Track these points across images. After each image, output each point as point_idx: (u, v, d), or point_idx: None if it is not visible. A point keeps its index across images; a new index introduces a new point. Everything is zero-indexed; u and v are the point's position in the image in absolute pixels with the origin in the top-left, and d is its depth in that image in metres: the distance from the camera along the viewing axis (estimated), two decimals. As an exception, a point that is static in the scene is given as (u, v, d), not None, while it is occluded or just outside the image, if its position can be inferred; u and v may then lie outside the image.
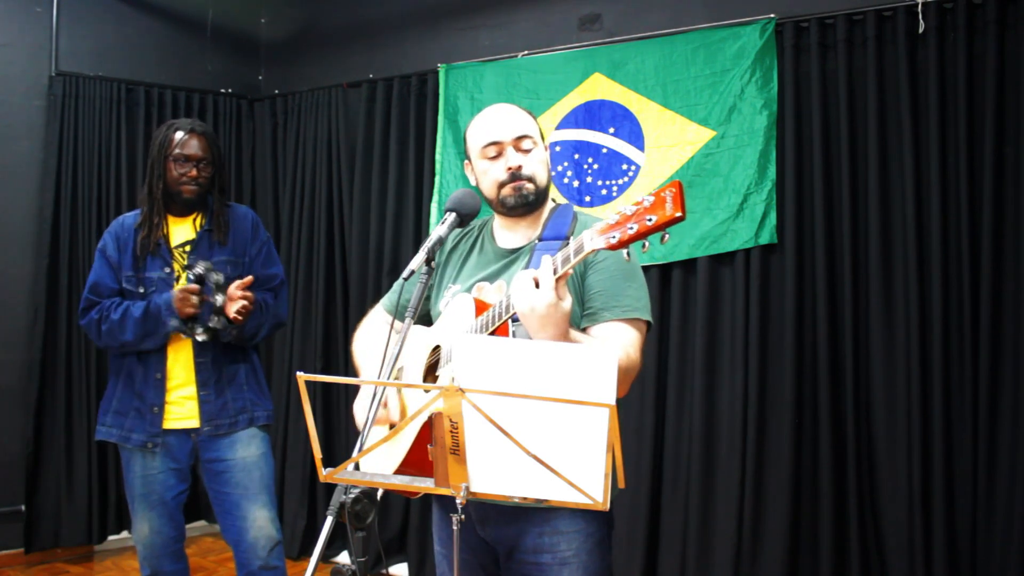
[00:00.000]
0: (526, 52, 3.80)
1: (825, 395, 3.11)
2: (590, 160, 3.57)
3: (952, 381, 2.91)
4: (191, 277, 2.67)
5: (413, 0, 4.30)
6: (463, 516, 1.58)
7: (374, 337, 2.10)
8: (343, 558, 4.18)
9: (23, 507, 4.08)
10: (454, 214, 1.88)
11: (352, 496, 1.62)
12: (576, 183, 3.61)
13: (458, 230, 2.03)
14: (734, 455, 3.24)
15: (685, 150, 3.35)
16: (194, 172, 2.75)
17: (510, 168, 1.90)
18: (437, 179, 3.97)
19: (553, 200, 2.01)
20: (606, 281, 1.83)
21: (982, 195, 2.85)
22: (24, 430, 4.09)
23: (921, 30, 2.96)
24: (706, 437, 3.31)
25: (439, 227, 1.87)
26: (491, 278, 1.94)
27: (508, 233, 1.99)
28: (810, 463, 3.15)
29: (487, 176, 1.94)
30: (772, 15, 3.21)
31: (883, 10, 3.03)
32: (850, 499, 3.07)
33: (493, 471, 1.52)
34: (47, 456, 4.14)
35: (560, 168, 3.65)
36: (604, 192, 3.53)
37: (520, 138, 1.92)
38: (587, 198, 3.58)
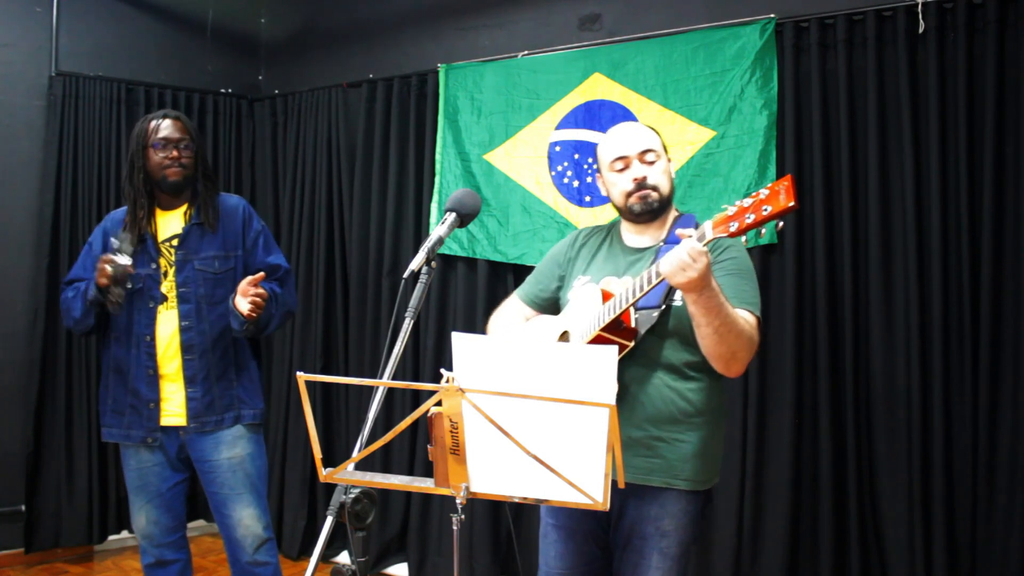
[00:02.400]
0: (526, 52, 3.80)
1: (825, 395, 3.11)
2: (590, 160, 3.57)
3: (952, 381, 2.91)
4: (110, 247, 2.69)
5: (413, 0, 4.30)
6: (463, 516, 1.58)
7: (509, 324, 2.36)
8: (343, 558, 4.18)
9: (23, 507, 4.08)
10: (454, 214, 1.97)
11: (352, 496, 1.62)
12: (576, 183, 3.61)
13: (589, 228, 2.33)
14: (734, 455, 3.24)
15: (685, 150, 3.35)
16: (175, 153, 2.75)
17: (636, 179, 2.11)
18: (437, 179, 3.97)
19: (676, 209, 2.23)
20: (726, 277, 2.01)
21: (982, 195, 2.84)
22: (24, 430, 4.09)
23: (921, 30, 2.96)
24: (706, 437, 3.31)
25: (439, 227, 1.90)
26: (618, 273, 2.13)
27: (635, 236, 2.21)
28: (810, 463, 3.15)
29: (616, 187, 2.17)
30: (772, 15, 3.21)
31: (883, 10, 3.03)
32: (850, 499, 3.07)
33: (493, 471, 1.52)
34: (47, 456, 4.14)
35: (560, 168, 3.65)
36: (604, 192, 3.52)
37: (644, 152, 2.13)
38: (587, 198, 3.58)
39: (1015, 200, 2.81)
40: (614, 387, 1.45)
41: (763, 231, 1.72)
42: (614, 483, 1.52)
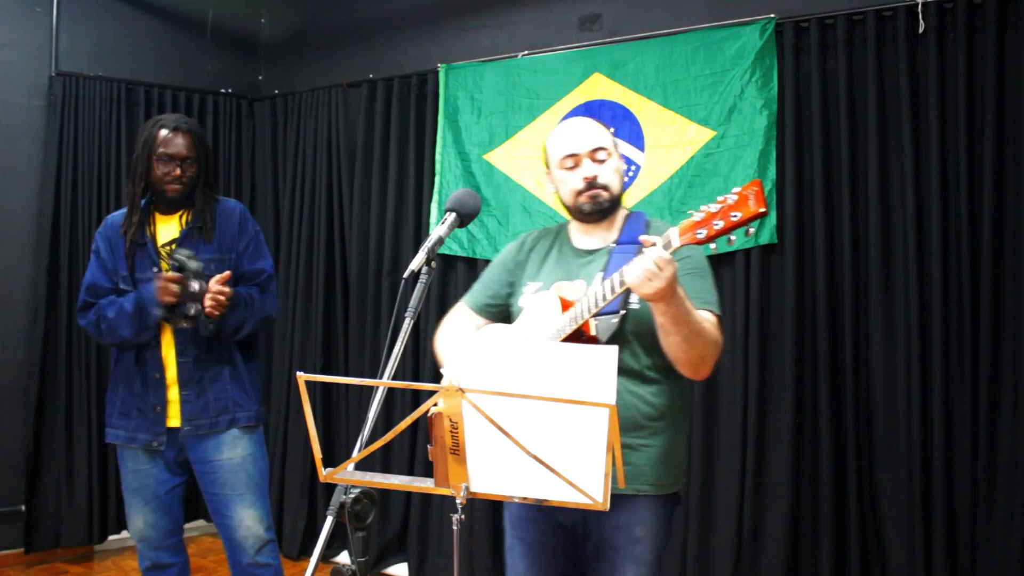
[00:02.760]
0: (526, 52, 3.80)
1: (825, 395, 3.11)
2: (590, 160, 3.57)
3: (952, 381, 2.91)
4: (172, 265, 2.66)
5: (413, 0, 4.30)
6: (463, 516, 1.58)
7: (458, 334, 2.24)
8: (343, 558, 4.18)
9: (23, 507, 4.08)
10: (454, 214, 1.95)
11: (352, 496, 1.62)
12: (576, 183, 3.60)
13: (536, 231, 2.25)
14: (734, 455, 3.24)
15: (685, 150, 3.35)
16: (178, 171, 2.72)
17: (586, 178, 2.05)
18: (437, 179, 3.97)
19: (624, 207, 2.17)
20: (684, 278, 1.95)
21: (982, 195, 2.85)
22: (24, 430, 4.09)
23: (921, 30, 2.96)
24: (706, 437, 3.31)
25: (439, 227, 1.89)
26: (569, 277, 2.07)
27: (585, 236, 2.15)
28: (810, 463, 3.15)
29: (565, 185, 2.10)
30: (772, 15, 3.21)
31: (883, 10, 3.03)
32: (850, 499, 3.07)
33: (493, 471, 1.52)
34: (47, 456, 4.14)
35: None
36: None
37: (595, 150, 2.07)
38: (587, 198, 3.58)
39: (1015, 200, 2.81)
40: (614, 387, 1.45)
41: (732, 237, 1.66)
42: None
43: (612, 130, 3.51)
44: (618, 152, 2.12)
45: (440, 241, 1.86)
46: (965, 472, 2.89)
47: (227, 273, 2.65)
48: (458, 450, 1.50)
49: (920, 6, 2.94)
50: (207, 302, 2.62)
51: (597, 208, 2.06)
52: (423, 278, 1.82)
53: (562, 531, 2.07)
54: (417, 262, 1.83)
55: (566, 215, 2.19)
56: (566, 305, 1.95)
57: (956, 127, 2.89)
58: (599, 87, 3.57)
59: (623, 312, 1.96)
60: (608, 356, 1.45)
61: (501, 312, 2.24)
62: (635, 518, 1.99)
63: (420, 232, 4.09)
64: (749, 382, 3.22)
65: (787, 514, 3.14)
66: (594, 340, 1.92)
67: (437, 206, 3.97)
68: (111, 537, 4.32)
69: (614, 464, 1.47)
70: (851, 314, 3.08)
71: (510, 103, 3.80)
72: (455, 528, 1.59)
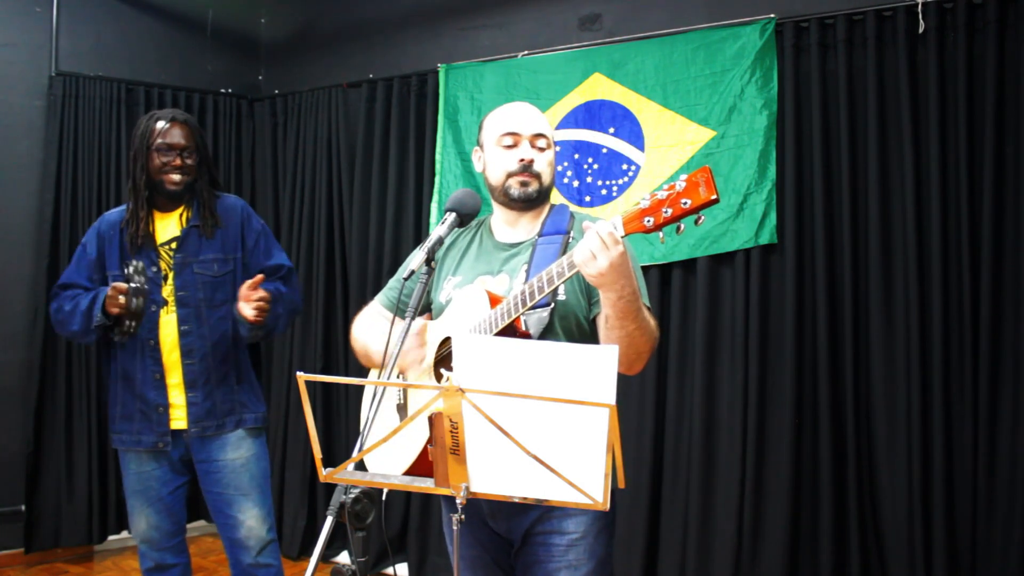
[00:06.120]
0: (526, 52, 3.80)
1: (825, 395, 3.11)
2: (590, 160, 3.57)
3: (952, 381, 2.91)
4: (123, 275, 2.63)
5: (413, 0, 4.30)
6: (463, 516, 1.58)
7: (378, 332, 2.10)
8: (343, 558, 4.18)
9: (23, 507, 4.08)
10: (454, 214, 1.93)
11: (352, 496, 1.62)
12: (576, 183, 3.61)
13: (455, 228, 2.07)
14: (734, 455, 3.24)
15: (685, 150, 3.35)
16: (178, 161, 2.69)
17: (522, 160, 1.96)
18: (437, 179, 3.97)
19: (551, 202, 2.07)
20: None
21: (982, 195, 2.85)
22: (24, 430, 4.09)
23: (921, 30, 2.96)
24: (706, 437, 3.31)
25: (439, 227, 1.89)
26: (492, 270, 1.99)
27: (508, 228, 2.05)
28: (810, 463, 3.15)
29: (498, 164, 2.00)
30: (772, 15, 3.21)
31: (883, 10, 3.03)
32: (850, 499, 3.07)
33: (493, 471, 1.52)
34: (47, 456, 4.14)
35: (560, 168, 3.65)
36: (604, 192, 3.53)
37: (537, 135, 1.99)
38: (587, 198, 3.58)
39: (1015, 200, 2.82)
40: (614, 387, 1.45)
41: (681, 226, 1.57)
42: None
43: (612, 130, 3.54)
44: (554, 147, 2.05)
45: (440, 241, 1.85)
46: (965, 472, 2.89)
47: (260, 277, 2.63)
48: (458, 450, 1.50)
49: (920, 6, 2.94)
50: (250, 312, 2.59)
51: (524, 196, 1.96)
52: (422, 278, 1.82)
53: (496, 541, 1.98)
54: (416, 262, 1.83)
55: (491, 202, 2.08)
56: (494, 300, 1.86)
57: (956, 127, 2.89)
58: (599, 87, 3.57)
59: (552, 305, 1.87)
60: (608, 356, 1.45)
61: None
62: (568, 520, 1.88)
63: (420, 232, 4.09)
64: (749, 382, 3.22)
65: (787, 514, 3.14)
66: (526, 335, 1.85)
67: (437, 206, 3.97)
68: (111, 537, 4.32)
69: (614, 464, 1.46)
70: (851, 314, 3.08)
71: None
72: (455, 528, 1.59)
